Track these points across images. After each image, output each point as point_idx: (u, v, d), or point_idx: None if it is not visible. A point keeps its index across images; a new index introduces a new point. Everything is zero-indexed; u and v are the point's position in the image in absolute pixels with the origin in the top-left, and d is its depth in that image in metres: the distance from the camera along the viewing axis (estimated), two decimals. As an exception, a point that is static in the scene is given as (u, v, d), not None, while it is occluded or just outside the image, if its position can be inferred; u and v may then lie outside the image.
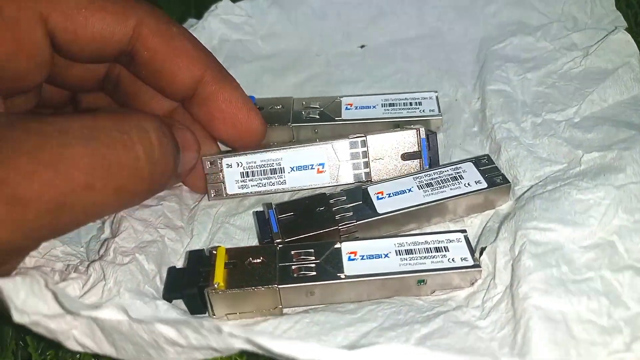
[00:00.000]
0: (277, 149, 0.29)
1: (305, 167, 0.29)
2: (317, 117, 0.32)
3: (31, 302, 0.19)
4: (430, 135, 0.29)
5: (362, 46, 0.38)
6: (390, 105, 0.32)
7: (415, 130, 0.29)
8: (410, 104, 0.32)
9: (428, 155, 0.28)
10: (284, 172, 0.29)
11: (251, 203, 0.30)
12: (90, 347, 0.20)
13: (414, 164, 0.29)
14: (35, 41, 0.23)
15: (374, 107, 0.32)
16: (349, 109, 0.32)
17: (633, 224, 0.23)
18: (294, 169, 0.29)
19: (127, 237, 0.26)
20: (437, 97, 0.32)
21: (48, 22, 0.23)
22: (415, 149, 0.29)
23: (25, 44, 0.23)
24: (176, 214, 0.29)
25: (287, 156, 0.29)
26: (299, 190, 0.29)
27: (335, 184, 0.29)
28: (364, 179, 0.29)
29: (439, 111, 0.32)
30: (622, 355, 0.19)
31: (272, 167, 0.29)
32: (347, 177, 0.29)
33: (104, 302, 0.23)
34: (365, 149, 0.29)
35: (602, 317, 0.20)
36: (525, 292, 0.21)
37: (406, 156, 0.29)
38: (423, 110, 0.31)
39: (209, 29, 0.39)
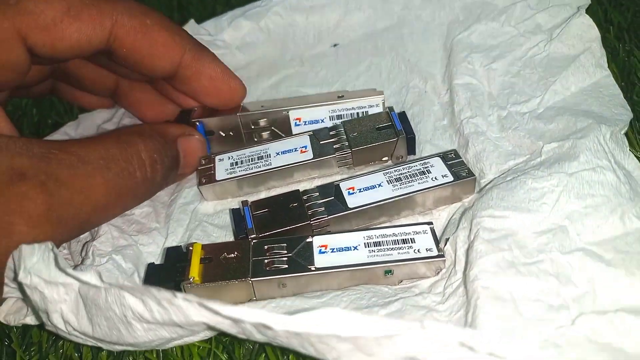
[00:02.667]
0: (265, 143, 0.32)
1: (289, 151, 0.31)
2: (270, 137, 0.33)
3: (38, 267, 0.21)
4: (400, 113, 0.32)
5: (335, 45, 0.39)
6: (338, 117, 0.33)
7: (386, 111, 0.32)
8: (357, 114, 0.33)
9: (402, 126, 0.31)
10: (270, 157, 0.31)
11: (229, 202, 0.31)
12: (72, 323, 0.22)
13: (389, 132, 0.31)
14: (14, 59, 0.25)
15: (322, 120, 0.33)
16: (298, 124, 0.33)
17: (584, 209, 0.24)
18: (279, 153, 0.31)
19: (105, 242, 0.28)
20: (383, 103, 0.33)
21: (27, 39, 0.25)
22: (388, 123, 0.31)
23: (5, 62, 0.25)
24: (150, 217, 0.30)
25: (273, 145, 0.32)
26: (284, 168, 0.31)
27: (319, 158, 0.31)
28: (345, 149, 0.31)
29: None
30: (566, 330, 0.20)
31: (259, 155, 0.31)
32: (328, 150, 0.31)
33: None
34: (342, 129, 0.31)
35: (550, 296, 0.21)
36: (475, 274, 0.22)
37: (380, 128, 0.31)
38: None
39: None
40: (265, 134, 0.33)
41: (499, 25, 0.35)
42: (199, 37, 0.38)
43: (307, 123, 0.33)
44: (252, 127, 0.33)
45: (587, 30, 0.33)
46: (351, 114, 0.33)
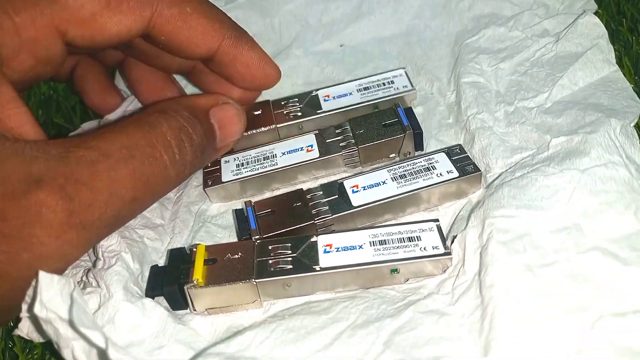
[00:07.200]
0: (270, 143, 0.30)
1: (295, 150, 0.30)
2: (299, 113, 0.31)
3: (55, 301, 0.19)
4: (406, 109, 0.30)
5: (341, 45, 0.38)
6: (365, 89, 0.32)
7: (391, 107, 0.30)
8: (384, 84, 0.32)
9: (408, 121, 0.29)
10: (276, 157, 0.29)
11: (234, 203, 0.29)
12: None
13: (396, 128, 0.29)
14: (53, 54, 0.23)
15: (351, 94, 0.32)
16: (327, 100, 0.32)
17: (598, 206, 0.22)
18: (285, 153, 0.30)
19: (112, 236, 0.26)
20: (406, 73, 0.32)
21: (66, 35, 0.23)
22: (394, 119, 0.29)
23: (44, 57, 0.23)
24: (155, 212, 0.28)
25: (279, 145, 0.30)
26: (290, 167, 0.29)
27: (325, 156, 0.29)
28: (351, 147, 0.29)
29: (412, 85, 0.31)
30: (586, 334, 0.18)
31: (265, 155, 0.30)
32: (335, 148, 0.29)
33: (100, 308, 0.23)
34: (348, 127, 0.30)
35: (568, 299, 0.19)
36: (492, 280, 0.20)
37: (387, 124, 0.29)
38: (397, 88, 0.31)
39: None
40: (295, 113, 0.31)
41: (507, 30, 0.34)
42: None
43: (335, 98, 0.32)
44: (282, 103, 0.32)
45: (594, 28, 0.31)
46: (377, 84, 0.32)
